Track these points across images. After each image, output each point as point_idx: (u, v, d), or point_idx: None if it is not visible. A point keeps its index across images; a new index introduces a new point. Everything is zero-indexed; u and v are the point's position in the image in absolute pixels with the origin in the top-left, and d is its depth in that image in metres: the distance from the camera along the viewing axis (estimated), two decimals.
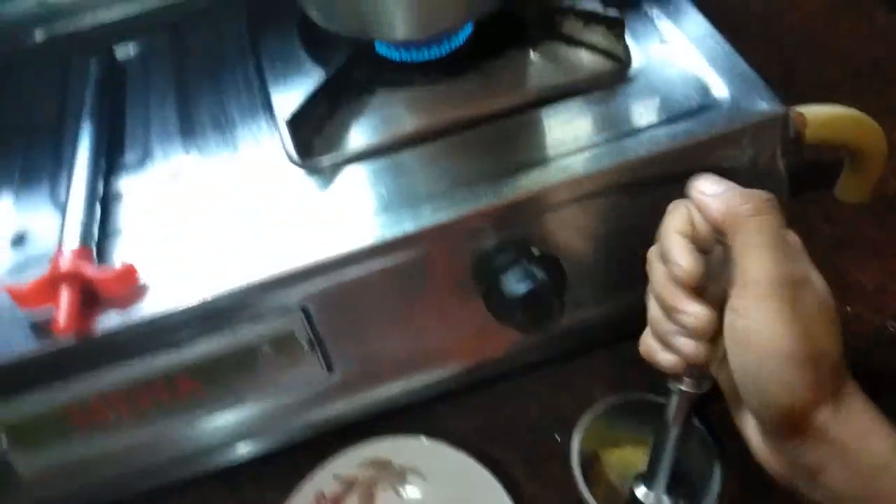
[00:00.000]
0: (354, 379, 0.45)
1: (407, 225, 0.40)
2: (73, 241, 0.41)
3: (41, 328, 0.39)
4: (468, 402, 0.50)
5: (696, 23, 0.48)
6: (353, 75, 0.47)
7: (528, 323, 0.41)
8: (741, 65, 0.45)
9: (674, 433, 0.39)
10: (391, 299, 0.43)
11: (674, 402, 0.38)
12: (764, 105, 0.42)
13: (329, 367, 0.44)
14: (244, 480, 0.48)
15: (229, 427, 0.44)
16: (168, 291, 0.40)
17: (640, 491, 0.42)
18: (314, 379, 0.44)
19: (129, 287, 0.40)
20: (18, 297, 0.39)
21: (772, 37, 0.68)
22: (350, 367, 0.44)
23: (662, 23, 0.48)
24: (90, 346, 0.39)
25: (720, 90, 0.43)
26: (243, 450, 0.46)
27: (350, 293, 0.41)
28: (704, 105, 0.43)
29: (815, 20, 0.69)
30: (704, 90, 0.44)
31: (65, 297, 0.38)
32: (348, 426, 0.47)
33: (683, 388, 0.37)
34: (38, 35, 0.59)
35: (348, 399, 0.46)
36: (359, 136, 0.44)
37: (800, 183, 0.46)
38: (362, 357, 0.44)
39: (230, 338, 0.41)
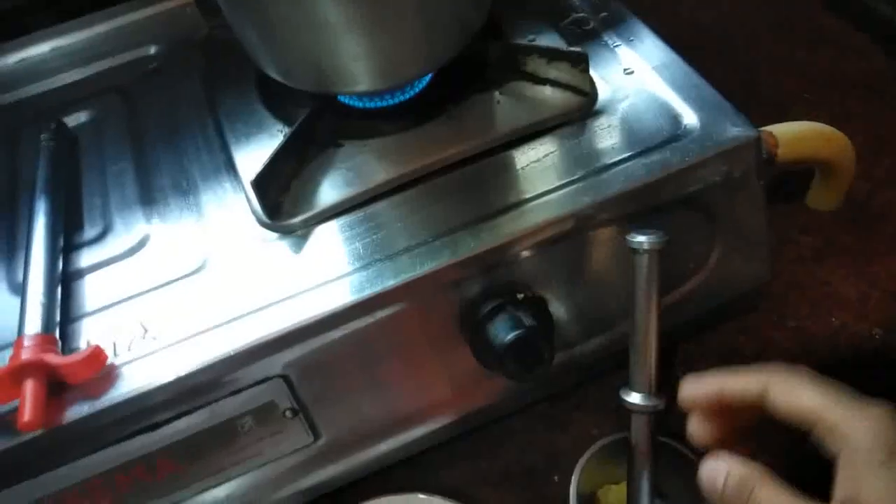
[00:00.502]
0: (342, 442, 0.43)
1: (386, 280, 0.39)
2: (34, 328, 0.39)
3: (5, 423, 0.37)
4: (462, 449, 0.49)
5: (658, 49, 0.48)
6: (318, 129, 0.46)
7: (519, 370, 0.39)
8: (707, 89, 0.44)
9: (639, 460, 0.38)
10: (376, 357, 0.41)
11: (632, 423, 0.38)
12: (735, 130, 0.42)
13: (315, 434, 0.42)
14: None
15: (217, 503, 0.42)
16: (140, 371, 0.38)
17: None
18: (300, 447, 0.42)
19: (97, 370, 0.38)
20: None
21: (727, 53, 0.69)
22: (337, 431, 0.42)
23: (623, 52, 0.48)
24: (61, 438, 0.37)
25: (690, 118, 0.43)
26: None
27: (333, 355, 0.40)
28: (676, 134, 0.43)
29: (766, 33, 0.70)
30: (674, 119, 0.43)
31: (29, 388, 0.36)
32: (339, 490, 0.45)
33: (630, 400, 0.37)
34: None
35: (338, 463, 0.44)
36: (329, 191, 0.43)
37: (771, 195, 0.46)
38: (349, 420, 0.42)
39: (209, 414, 0.39)
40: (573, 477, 0.43)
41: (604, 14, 0.51)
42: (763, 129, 0.44)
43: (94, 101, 0.54)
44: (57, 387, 0.37)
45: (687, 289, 0.46)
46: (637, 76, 0.46)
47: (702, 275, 0.46)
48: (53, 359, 0.37)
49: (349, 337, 0.39)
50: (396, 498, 0.45)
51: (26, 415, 0.35)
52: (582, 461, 0.43)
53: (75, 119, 0.53)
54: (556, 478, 0.47)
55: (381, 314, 0.39)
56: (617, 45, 0.49)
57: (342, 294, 0.39)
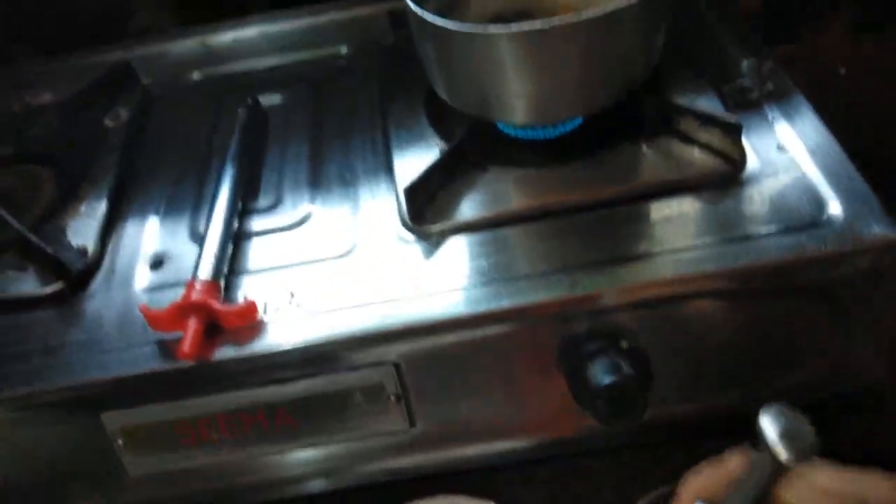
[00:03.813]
0: (434, 436, 0.47)
1: (503, 301, 0.42)
2: (205, 274, 0.46)
3: (166, 349, 0.44)
4: (538, 473, 0.51)
5: (816, 131, 0.48)
6: (470, 150, 0.50)
7: (610, 415, 0.41)
8: (858, 181, 0.44)
9: None
10: (478, 369, 0.45)
11: None
12: (879, 228, 0.41)
13: (412, 422, 0.46)
14: None
15: (315, 461, 0.48)
16: (281, 331, 0.44)
17: None
18: (397, 430, 0.46)
19: (248, 322, 0.44)
20: (151, 319, 0.44)
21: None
22: (431, 424, 0.46)
23: (781, 127, 0.48)
24: (206, 372, 0.43)
25: (835, 206, 0.43)
26: (324, 483, 0.50)
27: (441, 357, 0.44)
28: (817, 220, 0.43)
29: None
30: (818, 204, 0.43)
31: (192, 325, 0.43)
32: (422, 479, 0.49)
33: None
34: (196, 75, 0.66)
35: (426, 454, 0.48)
36: (468, 208, 0.47)
37: None
38: (444, 418, 0.46)
39: (327, 382, 0.44)
40: None
41: (770, 87, 0.51)
42: None
43: (288, 87, 0.62)
44: (212, 327, 0.44)
45: (793, 378, 0.46)
46: (789, 154, 0.47)
47: (812, 367, 0.45)
48: (216, 304, 0.44)
49: (458, 344, 0.43)
50: (471, 500, 0.48)
51: (186, 346, 0.42)
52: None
53: (269, 99, 0.61)
54: None
55: (490, 330, 0.43)
56: (776, 119, 0.49)
57: (460, 304, 0.43)
